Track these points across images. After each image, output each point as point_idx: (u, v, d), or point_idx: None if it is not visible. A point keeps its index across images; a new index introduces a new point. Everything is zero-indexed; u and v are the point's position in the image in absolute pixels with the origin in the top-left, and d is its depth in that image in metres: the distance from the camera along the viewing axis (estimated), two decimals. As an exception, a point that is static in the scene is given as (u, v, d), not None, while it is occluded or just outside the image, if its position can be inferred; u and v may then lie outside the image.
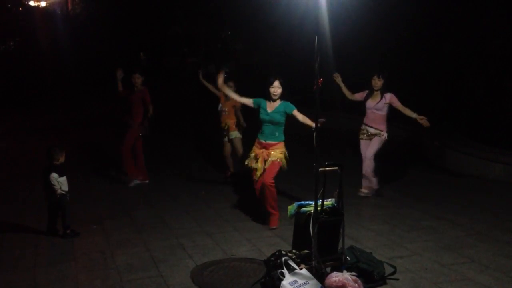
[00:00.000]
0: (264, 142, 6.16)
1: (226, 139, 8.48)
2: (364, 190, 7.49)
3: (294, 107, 6.09)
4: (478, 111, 10.79)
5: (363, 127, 7.53)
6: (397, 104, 7.30)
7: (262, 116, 6.13)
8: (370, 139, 7.41)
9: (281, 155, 6.12)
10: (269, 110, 6.11)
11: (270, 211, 6.07)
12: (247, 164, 6.29)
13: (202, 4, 22.66)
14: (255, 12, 17.90)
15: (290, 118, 6.13)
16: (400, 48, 12.82)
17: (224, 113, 8.37)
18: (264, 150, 6.13)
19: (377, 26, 12.87)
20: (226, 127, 8.40)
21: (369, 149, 7.38)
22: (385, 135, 7.37)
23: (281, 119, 6.09)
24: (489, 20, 10.74)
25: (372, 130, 7.41)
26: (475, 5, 10.93)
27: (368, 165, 7.38)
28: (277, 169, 6.07)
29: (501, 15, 10.47)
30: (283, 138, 6.19)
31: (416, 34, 12.38)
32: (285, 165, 6.17)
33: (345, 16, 11.74)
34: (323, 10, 4.53)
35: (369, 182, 7.46)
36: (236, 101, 7.15)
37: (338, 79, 7.59)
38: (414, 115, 7.14)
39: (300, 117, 6.02)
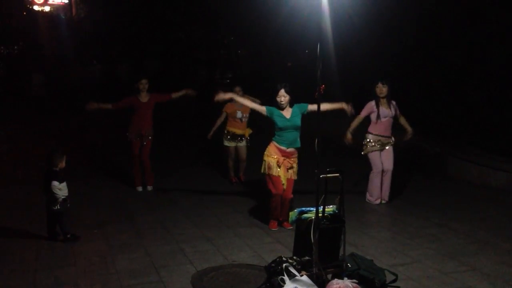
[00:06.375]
0: (287, 150, 6.14)
1: (234, 144, 8.45)
2: (382, 200, 7.45)
3: (306, 104, 6.15)
4: (481, 118, 10.78)
5: (374, 137, 7.29)
6: (399, 113, 7.32)
7: (283, 123, 6.07)
8: (382, 149, 7.31)
9: (296, 164, 6.27)
10: (287, 116, 6.10)
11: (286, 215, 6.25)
12: (269, 171, 6.15)
13: (203, 9, 22.68)
14: (257, 18, 17.96)
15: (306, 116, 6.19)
16: (403, 55, 12.84)
17: (243, 119, 8.32)
18: (287, 158, 6.15)
19: (381, 33, 12.89)
20: (246, 135, 8.39)
21: (389, 161, 7.32)
22: (393, 141, 7.37)
23: (300, 121, 6.13)
24: (493, 28, 10.75)
25: (384, 140, 7.28)
26: (479, 13, 10.94)
27: (389, 177, 7.35)
28: None
29: (505, 24, 10.47)
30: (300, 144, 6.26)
31: (419, 41, 12.39)
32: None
33: (348, 23, 11.79)
34: (326, 17, 4.55)
35: (384, 193, 7.43)
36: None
37: (350, 138, 7.32)
38: (408, 128, 7.35)
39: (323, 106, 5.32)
